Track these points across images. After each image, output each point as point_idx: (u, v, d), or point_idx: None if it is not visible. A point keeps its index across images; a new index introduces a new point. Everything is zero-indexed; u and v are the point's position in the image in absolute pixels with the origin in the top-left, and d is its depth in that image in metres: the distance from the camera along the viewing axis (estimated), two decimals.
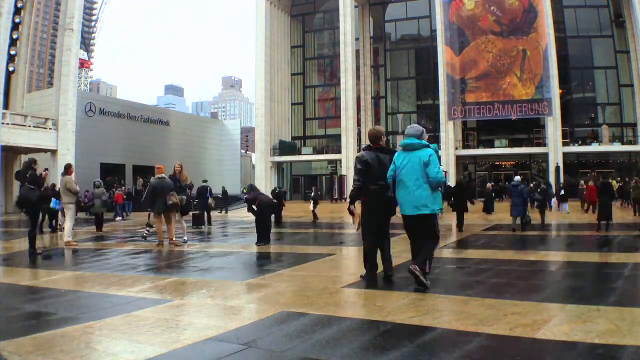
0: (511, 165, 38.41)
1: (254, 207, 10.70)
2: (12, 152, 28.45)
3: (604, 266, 6.96)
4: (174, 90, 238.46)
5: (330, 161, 41.87)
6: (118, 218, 25.07)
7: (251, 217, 15.67)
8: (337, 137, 39.64)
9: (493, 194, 26.53)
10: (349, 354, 3.33)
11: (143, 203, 13.04)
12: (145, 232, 12.70)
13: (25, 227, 12.11)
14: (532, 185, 23.65)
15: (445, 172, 35.19)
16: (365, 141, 41.04)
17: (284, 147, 42.28)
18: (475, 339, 3.55)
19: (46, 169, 12.56)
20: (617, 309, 4.36)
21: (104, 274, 7.09)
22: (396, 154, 5.58)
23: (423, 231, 5.42)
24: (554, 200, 24.85)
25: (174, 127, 45.36)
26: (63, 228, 13.20)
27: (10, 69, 29.12)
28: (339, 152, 38.81)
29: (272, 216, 13.52)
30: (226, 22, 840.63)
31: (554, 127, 33.34)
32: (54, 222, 16.24)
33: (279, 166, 42.84)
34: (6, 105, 27.94)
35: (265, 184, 40.40)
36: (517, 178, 14.57)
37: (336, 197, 36.72)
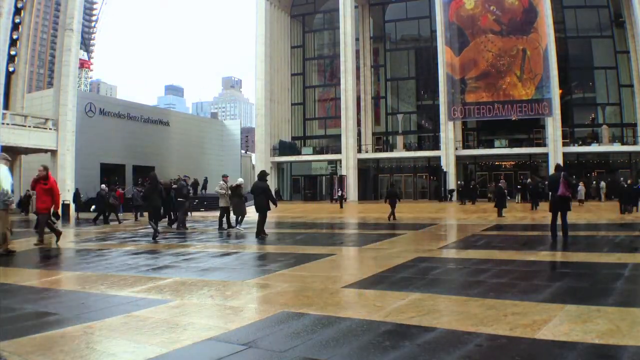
0: (511, 165, 38.41)
1: None
2: (12, 152, 28.39)
3: (605, 266, 6.96)
4: (174, 90, 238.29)
5: (330, 161, 41.83)
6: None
7: (249, 218, 15.65)
8: (337, 138, 39.63)
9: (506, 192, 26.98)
10: (349, 354, 3.33)
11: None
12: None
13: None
14: None
15: (446, 172, 35.23)
16: (365, 141, 41.26)
17: (284, 148, 42.26)
18: (475, 339, 3.55)
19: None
20: (617, 309, 4.35)
21: (107, 274, 7.10)
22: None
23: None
24: None
25: (174, 127, 45.29)
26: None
27: (10, 69, 29.08)
28: (339, 152, 38.79)
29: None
30: (226, 22, 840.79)
31: (554, 127, 33.34)
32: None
33: (279, 166, 42.83)
34: (6, 106, 27.90)
35: None
36: None
37: (336, 197, 36.65)
